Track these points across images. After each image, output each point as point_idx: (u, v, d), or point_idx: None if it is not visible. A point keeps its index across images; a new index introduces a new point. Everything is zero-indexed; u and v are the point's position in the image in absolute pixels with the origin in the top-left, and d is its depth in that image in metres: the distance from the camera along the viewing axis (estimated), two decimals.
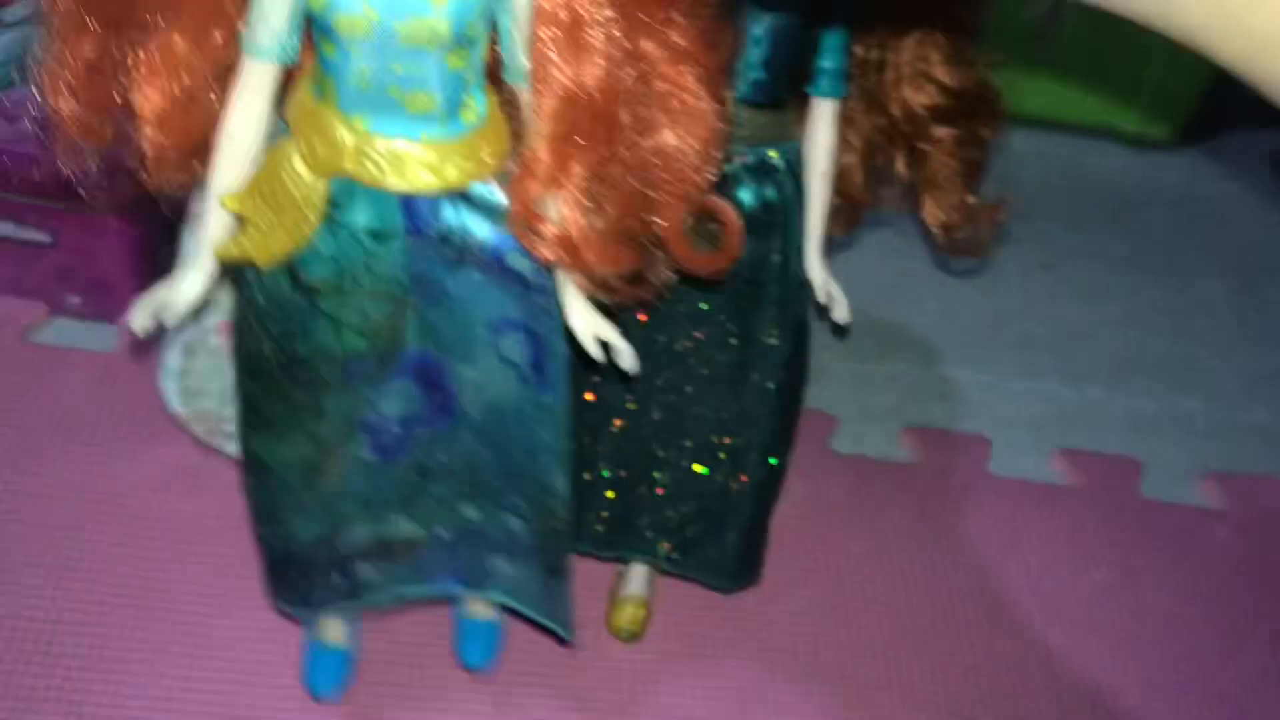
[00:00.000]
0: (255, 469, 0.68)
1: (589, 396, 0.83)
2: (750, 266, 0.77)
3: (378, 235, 0.59)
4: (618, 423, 0.84)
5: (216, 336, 0.88)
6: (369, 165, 0.56)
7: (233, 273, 0.61)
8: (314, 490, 0.69)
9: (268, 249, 0.59)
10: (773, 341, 0.79)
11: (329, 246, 0.59)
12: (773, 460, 0.84)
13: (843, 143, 0.78)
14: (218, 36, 0.57)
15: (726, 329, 0.79)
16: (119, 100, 0.58)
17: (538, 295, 0.61)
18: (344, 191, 0.58)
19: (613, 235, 0.58)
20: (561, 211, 0.56)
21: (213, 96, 0.58)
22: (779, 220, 0.76)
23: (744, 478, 0.84)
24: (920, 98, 0.74)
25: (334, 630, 0.81)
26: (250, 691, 0.84)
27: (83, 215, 0.98)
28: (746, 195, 0.75)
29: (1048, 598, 1.01)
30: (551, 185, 0.55)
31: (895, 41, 0.74)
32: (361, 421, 0.67)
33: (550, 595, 0.75)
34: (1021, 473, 1.12)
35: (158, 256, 1.06)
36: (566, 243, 0.57)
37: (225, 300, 0.86)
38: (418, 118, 0.55)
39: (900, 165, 0.78)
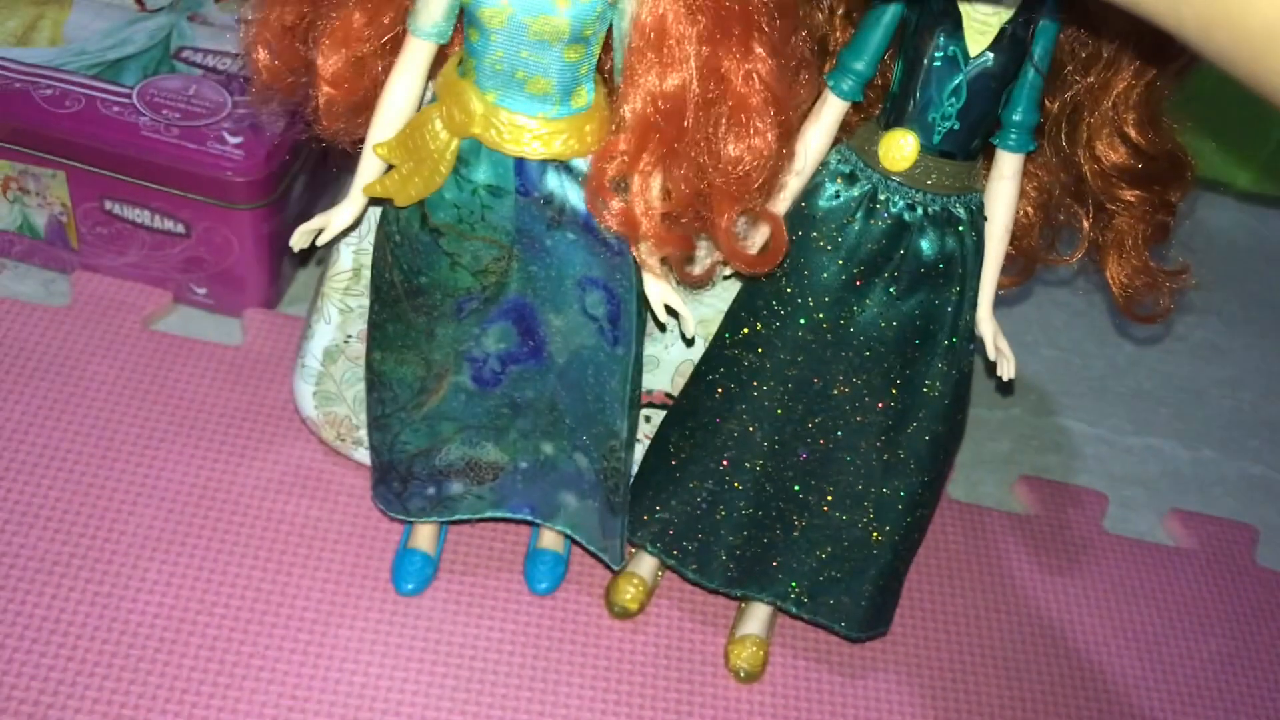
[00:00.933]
0: (376, 384, 0.80)
1: (728, 426, 0.82)
2: (923, 316, 0.76)
3: (493, 191, 0.69)
4: (760, 462, 0.82)
5: (359, 343, 0.87)
6: (493, 132, 0.67)
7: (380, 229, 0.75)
8: (420, 409, 0.80)
9: (405, 191, 0.69)
10: (934, 394, 0.78)
11: (453, 195, 0.70)
12: (919, 512, 0.82)
13: (1023, 197, 0.76)
14: (388, 16, 0.69)
15: (889, 378, 0.78)
16: (305, 59, 0.72)
17: (618, 260, 0.71)
18: (471, 151, 0.68)
19: (669, 220, 0.68)
20: (628, 191, 0.67)
21: (379, 65, 0.71)
22: (956, 272, 0.75)
23: (887, 527, 0.83)
24: (1113, 156, 0.72)
25: (424, 540, 0.91)
26: (359, 703, 0.84)
27: (218, 208, 0.97)
28: (926, 244, 0.74)
29: (1165, 665, 0.99)
30: (622, 168, 0.66)
31: (1092, 98, 0.72)
32: (466, 353, 0.78)
33: (605, 531, 0.85)
34: (1136, 532, 1.10)
35: (285, 256, 1.06)
36: (628, 217, 0.67)
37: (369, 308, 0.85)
38: (536, 98, 0.66)
39: (1085, 224, 0.76)
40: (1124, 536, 1.08)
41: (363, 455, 0.93)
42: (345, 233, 0.81)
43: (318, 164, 1.05)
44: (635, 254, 0.71)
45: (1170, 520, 1.12)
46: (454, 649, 0.88)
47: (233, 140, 0.96)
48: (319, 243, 0.76)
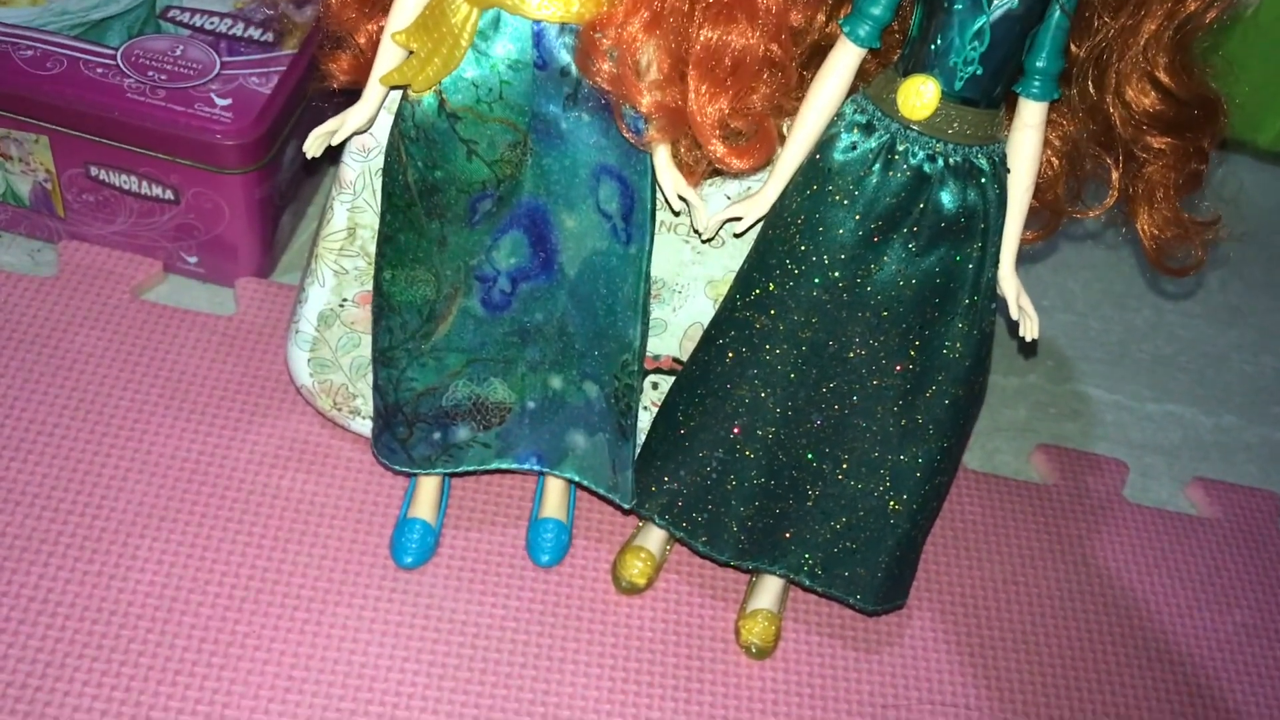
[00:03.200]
0: (384, 309, 0.78)
1: (742, 392, 0.79)
2: (943, 273, 0.72)
3: (513, 65, 0.69)
4: (772, 430, 0.79)
5: (355, 308, 0.83)
6: None
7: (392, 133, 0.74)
8: (429, 338, 0.79)
9: (425, 73, 0.69)
10: (954, 355, 0.75)
11: (473, 73, 0.69)
12: (938, 480, 0.79)
13: (1047, 147, 0.73)
14: None
15: (908, 339, 0.74)
16: None
17: (632, 144, 0.71)
18: (490, 24, 0.68)
19: (655, 89, 0.68)
20: (618, 55, 0.67)
21: None
22: (978, 227, 0.71)
23: (905, 496, 0.79)
24: (1145, 102, 0.69)
25: (425, 507, 0.88)
26: (358, 683, 0.81)
27: (207, 173, 0.94)
28: (947, 197, 0.70)
29: (1190, 637, 0.96)
30: (614, 36, 0.66)
31: (1121, 42, 0.69)
32: (477, 269, 0.76)
33: (616, 463, 0.83)
34: (1157, 501, 1.07)
35: (277, 222, 1.02)
36: (614, 79, 0.67)
37: (364, 270, 0.82)
38: None
39: (1114, 174, 0.73)
40: (1145, 506, 1.05)
41: (360, 425, 0.90)
42: (338, 171, 0.79)
43: (310, 127, 1.01)
44: (646, 142, 0.71)
45: (1192, 488, 1.09)
46: (456, 626, 0.85)
47: (221, 103, 0.93)
48: (333, 143, 0.75)
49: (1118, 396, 1.16)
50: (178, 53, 0.96)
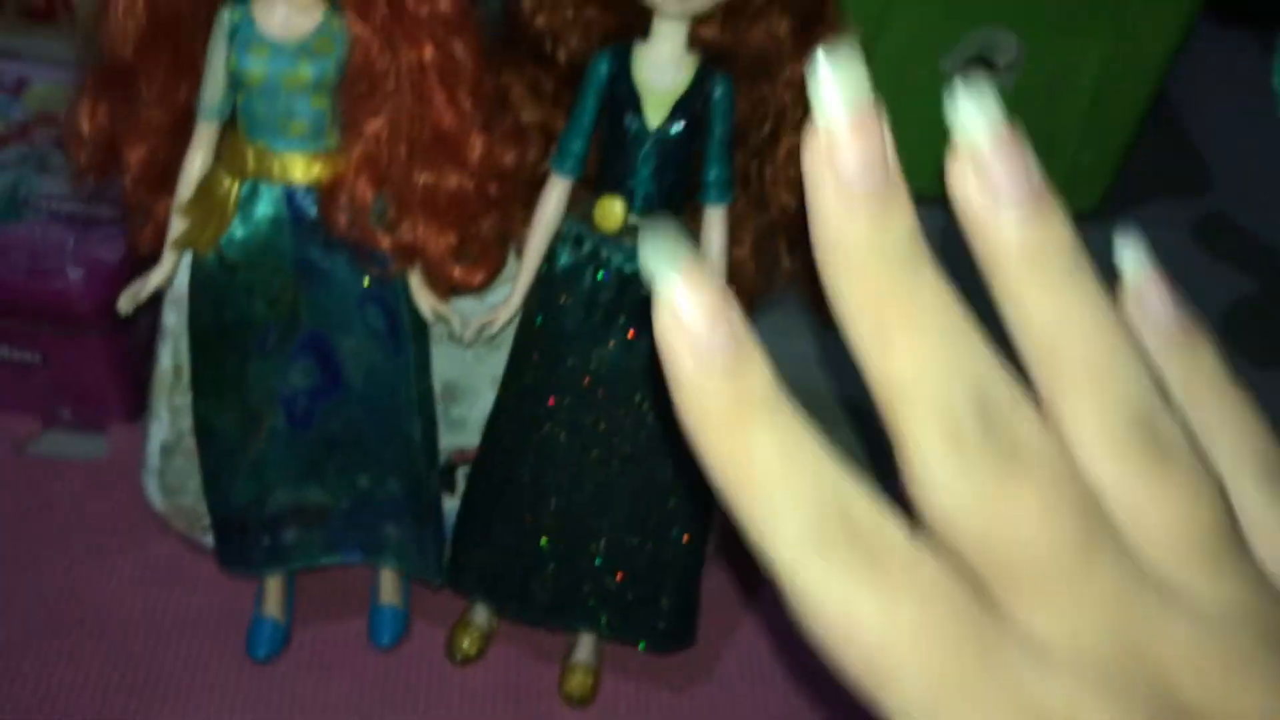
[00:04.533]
0: (204, 435, 0.91)
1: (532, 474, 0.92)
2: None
3: (273, 222, 0.82)
4: (554, 499, 0.93)
5: (190, 438, 0.97)
6: (264, 169, 0.82)
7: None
8: (246, 455, 0.91)
9: (204, 236, 0.83)
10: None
11: (241, 233, 0.83)
12: (698, 522, 0.92)
13: (737, 244, 0.88)
14: (180, 109, 0.83)
15: (641, 408, 0.88)
16: (113, 148, 0.85)
17: (384, 272, 0.84)
18: (250, 192, 0.82)
19: (389, 232, 0.81)
20: (353, 209, 0.81)
21: (175, 149, 0.84)
22: None
23: (679, 540, 0.92)
24: (793, 200, 0.84)
25: (273, 604, 1.00)
26: None
27: (70, 336, 1.08)
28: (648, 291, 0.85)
29: None
30: (345, 192, 0.80)
31: (769, 151, 0.84)
32: (278, 392, 0.88)
33: (422, 549, 0.96)
34: None
35: (140, 368, 1.16)
36: (350, 229, 0.81)
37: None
38: (295, 138, 0.81)
39: (784, 255, 0.88)
40: None
41: (211, 540, 1.02)
42: (160, 323, 0.93)
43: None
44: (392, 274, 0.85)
45: None
46: (308, 707, 0.97)
47: (74, 275, 1.07)
48: (140, 300, 0.88)
49: None
50: (36, 235, 1.10)
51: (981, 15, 1.41)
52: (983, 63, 1.47)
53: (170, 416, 0.96)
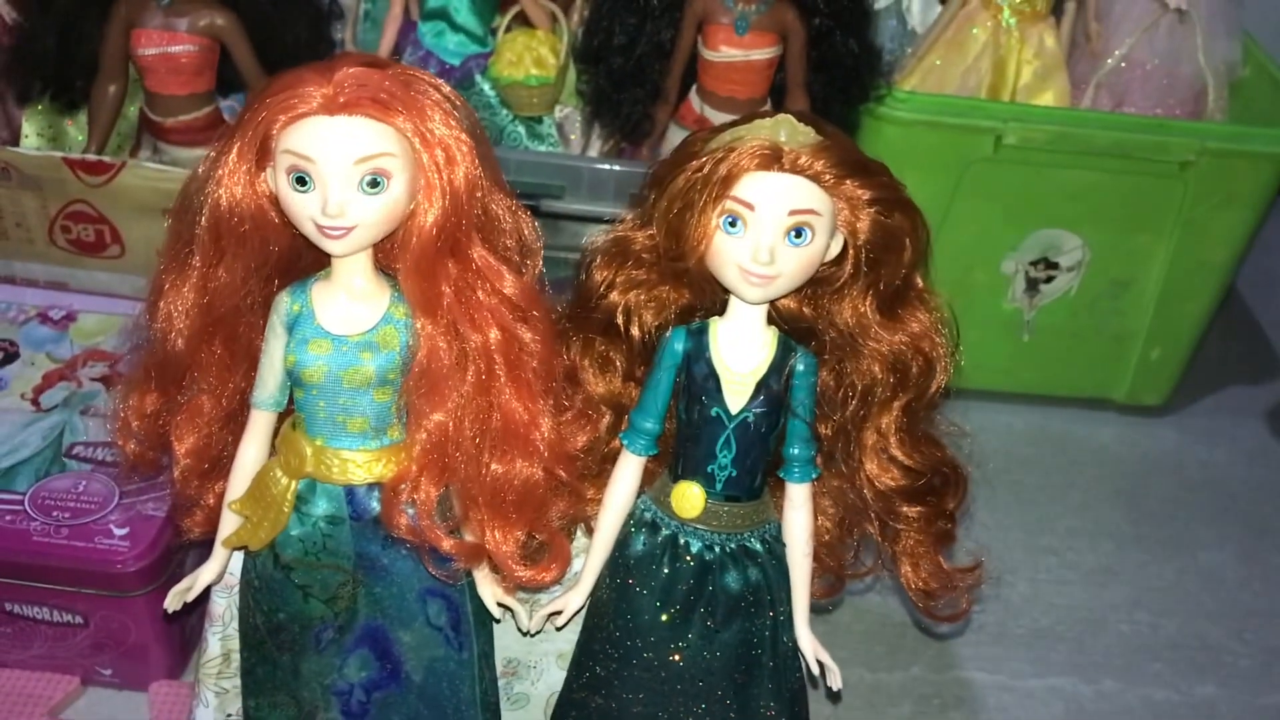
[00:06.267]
0: None
1: None
2: (743, 644, 0.81)
3: (331, 520, 0.78)
4: None
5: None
6: (323, 468, 0.77)
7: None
8: None
9: (257, 536, 0.79)
10: (770, 713, 0.82)
11: (298, 531, 0.79)
12: None
13: (821, 514, 0.82)
14: (231, 398, 0.80)
15: (725, 704, 0.82)
16: (164, 439, 0.82)
17: (448, 568, 0.79)
18: (308, 489, 0.78)
19: (454, 534, 0.78)
20: (416, 509, 0.76)
21: (227, 436, 0.81)
22: (765, 599, 0.80)
23: None
24: (885, 479, 0.79)
25: None
26: None
27: (112, 598, 1.03)
28: (731, 579, 0.80)
29: None
30: (406, 491, 0.76)
31: (856, 428, 0.79)
32: (332, 687, 0.84)
33: None
34: None
35: (185, 625, 1.11)
36: (413, 530, 0.77)
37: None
38: (356, 435, 0.77)
39: (876, 536, 0.82)
40: None
41: None
42: (207, 607, 0.88)
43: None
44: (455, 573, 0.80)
45: None
46: None
47: (119, 532, 1.03)
48: (188, 599, 0.84)
49: (999, 677, 1.22)
50: (80, 489, 1.06)
51: (1043, 219, 1.38)
52: (1047, 264, 1.43)
53: (218, 700, 0.91)
